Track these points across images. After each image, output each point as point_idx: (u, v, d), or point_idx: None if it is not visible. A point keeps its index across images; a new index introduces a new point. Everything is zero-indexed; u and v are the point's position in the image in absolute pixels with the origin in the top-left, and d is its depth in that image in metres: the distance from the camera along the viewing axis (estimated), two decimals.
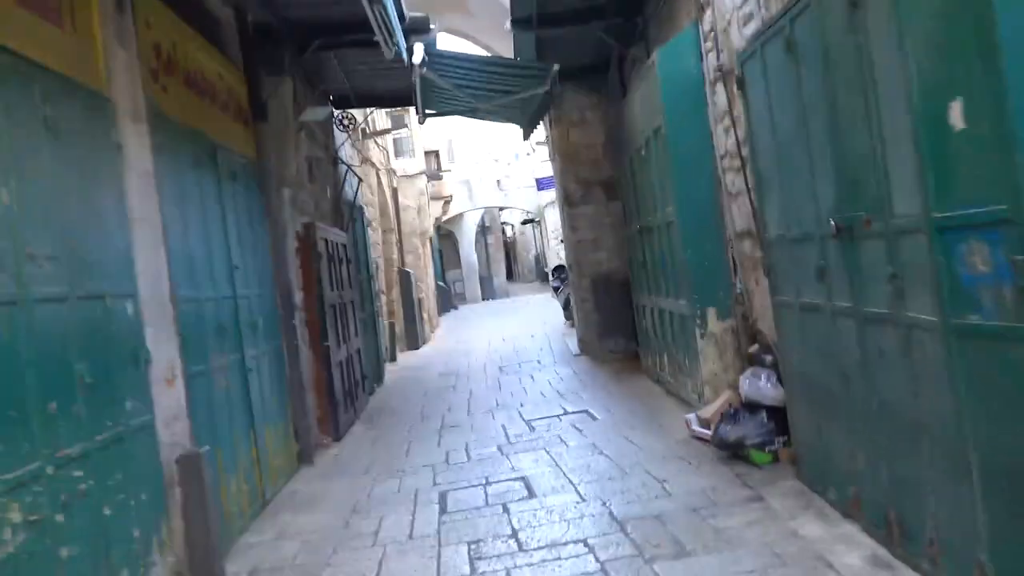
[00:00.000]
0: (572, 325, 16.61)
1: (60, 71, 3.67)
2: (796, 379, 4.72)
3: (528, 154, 29.44)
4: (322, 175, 9.82)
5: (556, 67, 8.08)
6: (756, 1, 4.91)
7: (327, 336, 8.14)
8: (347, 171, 10.96)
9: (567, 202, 11.26)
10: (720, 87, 6.00)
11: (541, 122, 11.12)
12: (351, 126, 10.99)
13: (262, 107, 7.46)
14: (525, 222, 41.32)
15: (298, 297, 7.77)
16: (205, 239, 5.46)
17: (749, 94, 4.78)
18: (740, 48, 5.04)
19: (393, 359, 14.74)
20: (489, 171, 30.88)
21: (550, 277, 18.98)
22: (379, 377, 11.84)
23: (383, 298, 14.49)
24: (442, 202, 24.78)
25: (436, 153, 23.95)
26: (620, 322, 10.87)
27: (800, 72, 3.93)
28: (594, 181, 11.19)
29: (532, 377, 10.73)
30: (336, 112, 11.09)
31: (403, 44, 7.45)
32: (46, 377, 3.17)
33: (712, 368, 6.52)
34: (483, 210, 33.30)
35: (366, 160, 14.34)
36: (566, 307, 17.11)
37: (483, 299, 33.86)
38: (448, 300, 28.95)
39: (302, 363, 7.52)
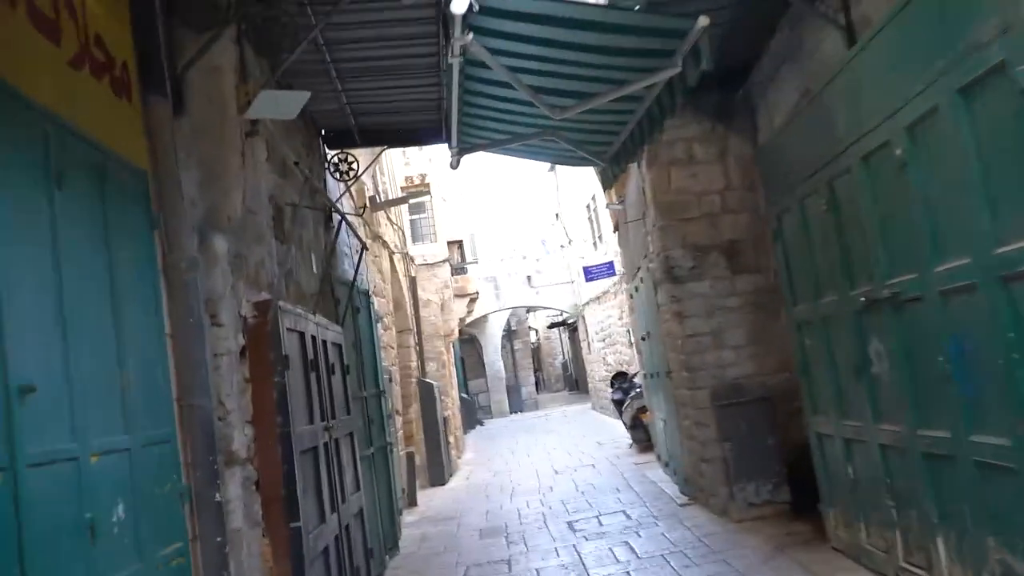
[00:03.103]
0: (642, 449, 12.75)
1: None
2: None
3: (563, 247, 26.07)
4: (302, 233, 6.26)
5: (703, 21, 4.56)
6: None
7: (297, 509, 4.40)
8: (341, 229, 7.38)
9: (669, 276, 7.61)
10: None
11: (619, 163, 7.54)
12: (350, 170, 7.48)
13: (173, 82, 3.96)
14: (552, 325, 37.78)
15: (238, 441, 4.08)
16: None
17: None
18: None
19: (412, 503, 10.86)
20: (517, 267, 27.48)
21: (610, 388, 15.15)
22: (392, 543, 7.97)
23: (398, 420, 10.74)
24: (467, 300, 21.30)
25: (460, 244, 20.60)
26: (761, 459, 7.06)
27: None
28: (711, 246, 7.58)
29: (633, 548, 6.85)
30: (331, 154, 7.63)
31: None
32: None
33: None
34: (510, 311, 29.73)
35: (377, 238, 10.85)
36: (634, 426, 13.25)
37: (511, 412, 29.90)
38: (473, 415, 25.06)
39: (243, 571, 3.79)
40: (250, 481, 4.22)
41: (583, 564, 6.62)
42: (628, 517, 8.16)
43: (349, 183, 7.53)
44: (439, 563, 7.36)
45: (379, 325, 9.62)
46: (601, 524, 8.05)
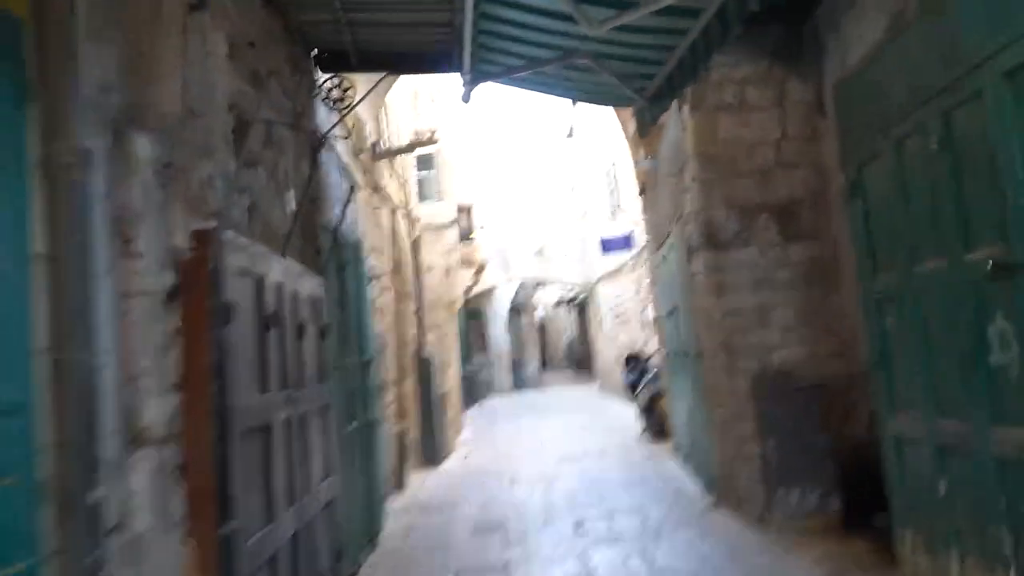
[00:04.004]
0: (655, 437, 11.69)
1: None
2: None
3: (578, 219, 24.92)
4: (279, 160, 5.14)
5: None
6: None
7: (230, 505, 3.32)
8: (332, 166, 6.27)
9: (709, 242, 6.49)
10: None
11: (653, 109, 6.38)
12: (344, 98, 6.36)
13: None
14: (561, 303, 36.70)
15: (153, 413, 3.01)
16: None
17: None
18: None
19: (400, 486, 9.82)
20: (528, 239, 26.30)
21: (624, 368, 14.07)
22: (372, 536, 6.92)
23: (390, 393, 9.68)
24: (473, 270, 20.17)
25: (469, 209, 19.45)
26: (809, 460, 5.97)
27: None
28: (761, 207, 6.46)
29: (654, 562, 5.77)
30: (323, 79, 6.51)
31: None
32: None
33: None
34: (519, 284, 28.61)
35: (378, 190, 9.75)
36: (648, 412, 12.18)
37: (514, 390, 28.88)
38: (474, 391, 24.04)
39: None
40: (169, 468, 3.15)
41: (588, 571, 5.55)
42: (645, 519, 7.08)
43: (343, 112, 6.40)
44: (423, 566, 6.30)
45: (374, 285, 8.54)
46: (614, 526, 6.98)
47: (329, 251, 6.12)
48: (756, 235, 6.44)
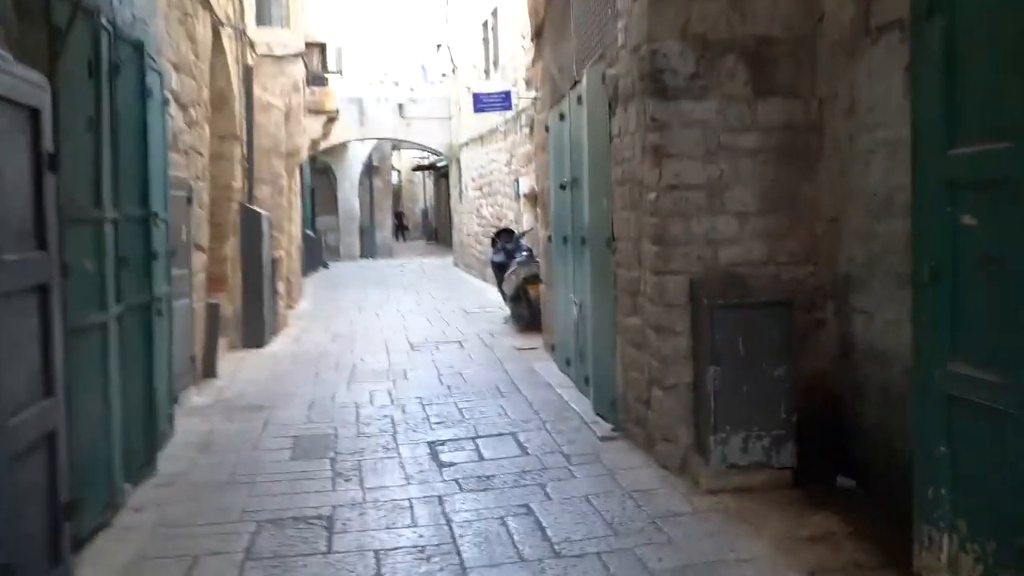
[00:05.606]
0: (523, 328, 10.10)
1: None
2: None
3: (444, 76, 22.47)
4: None
5: None
6: None
7: None
8: None
9: (653, 85, 4.59)
10: None
11: None
12: None
13: None
14: (420, 168, 34.44)
15: None
16: None
17: None
18: None
19: (210, 374, 7.76)
20: (389, 93, 23.59)
21: (492, 246, 12.26)
22: (147, 459, 4.89)
23: (199, 259, 7.45)
24: (323, 120, 17.57)
25: (322, 48, 16.62)
26: (761, 397, 4.37)
27: None
28: (727, 43, 4.60)
29: (542, 525, 4.06)
30: None
31: None
32: None
33: None
34: (374, 143, 25.99)
35: None
36: (516, 299, 10.51)
37: (362, 257, 26.74)
38: (318, 254, 21.79)
39: None
40: None
41: (458, 552, 3.81)
42: (523, 449, 5.40)
43: None
44: (207, 514, 4.35)
45: (172, 112, 6.19)
46: (481, 458, 5.26)
47: (76, 40, 3.80)
48: (718, 82, 4.59)
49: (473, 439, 5.67)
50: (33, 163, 3.19)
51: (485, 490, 4.65)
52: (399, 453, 5.43)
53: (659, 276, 4.69)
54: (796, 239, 4.68)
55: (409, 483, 4.83)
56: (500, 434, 5.76)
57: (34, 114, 3.19)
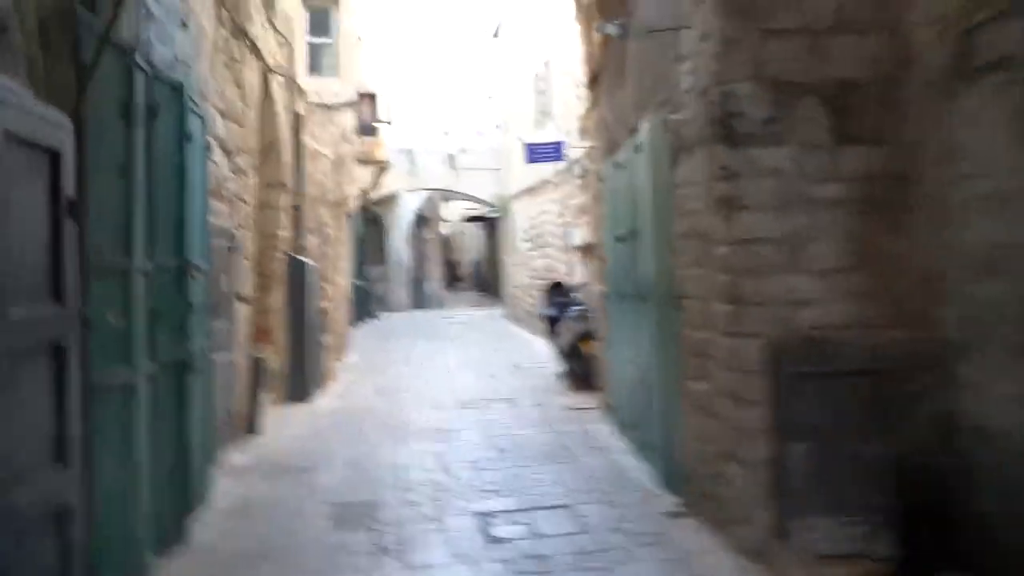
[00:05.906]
0: (577, 385, 9.67)
1: None
2: None
3: (497, 127, 22.41)
4: None
5: None
6: None
7: None
8: None
9: (723, 131, 4.23)
10: None
11: None
12: None
13: None
14: (472, 219, 34.34)
15: None
16: None
17: None
18: None
19: (252, 430, 7.46)
20: (439, 144, 23.59)
21: (542, 301, 11.90)
22: (178, 527, 4.55)
23: (241, 310, 7.21)
24: (374, 169, 17.52)
25: (373, 98, 16.63)
26: (854, 477, 3.90)
27: None
28: (807, 86, 4.23)
29: None
30: None
31: None
32: None
33: None
34: (425, 194, 25.96)
35: (241, 34, 7.09)
36: (569, 355, 10.09)
37: (412, 308, 26.54)
38: (367, 305, 21.63)
39: None
40: None
41: None
42: (581, 525, 4.94)
43: None
44: None
45: (214, 157, 5.98)
46: (535, 534, 4.82)
47: (106, 78, 3.58)
48: (796, 127, 4.21)
49: (526, 511, 5.24)
50: (51, 209, 2.93)
51: (540, 573, 4.21)
52: (445, 524, 5.02)
53: (732, 339, 4.27)
54: (884, 300, 4.22)
55: (456, 562, 4.42)
56: (555, 506, 5.31)
57: (53, 156, 2.94)
